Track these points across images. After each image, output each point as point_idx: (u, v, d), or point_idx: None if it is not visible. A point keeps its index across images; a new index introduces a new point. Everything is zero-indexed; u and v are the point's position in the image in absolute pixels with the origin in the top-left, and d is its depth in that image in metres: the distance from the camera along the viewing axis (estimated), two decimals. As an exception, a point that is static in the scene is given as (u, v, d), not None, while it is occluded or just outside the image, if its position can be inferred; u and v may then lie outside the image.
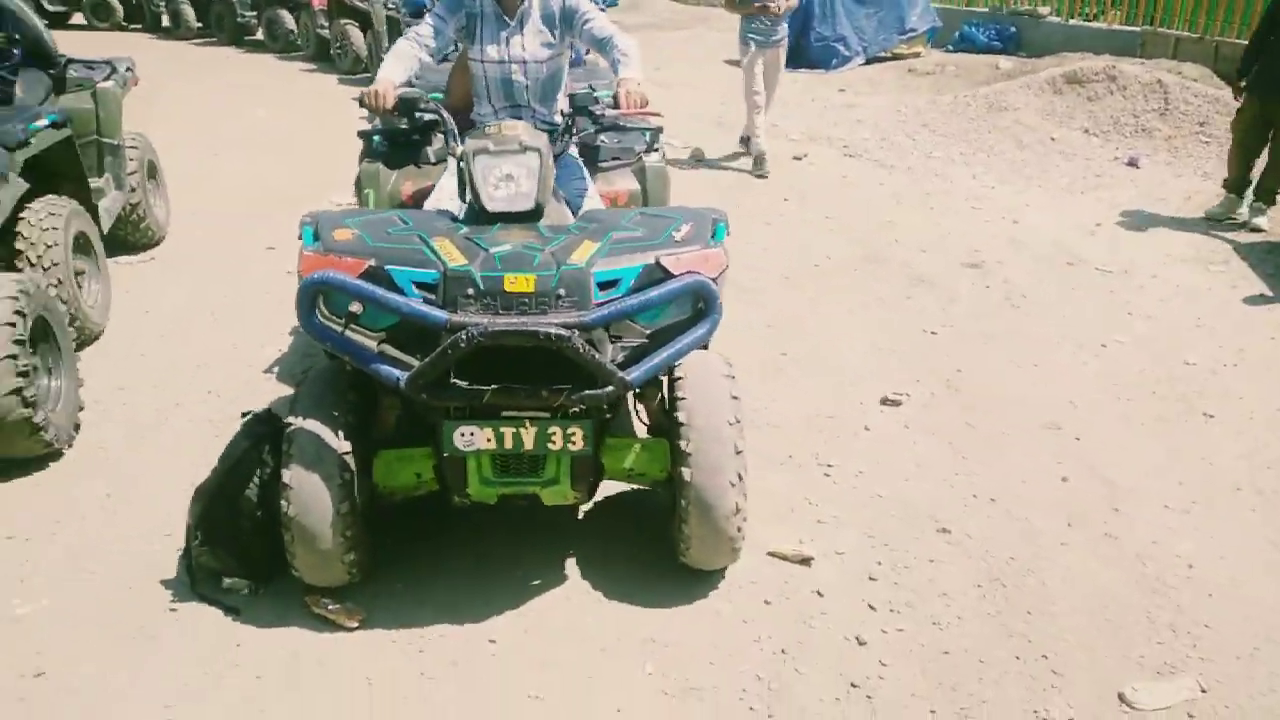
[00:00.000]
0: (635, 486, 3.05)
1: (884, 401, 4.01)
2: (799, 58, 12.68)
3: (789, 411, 3.91)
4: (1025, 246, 5.90)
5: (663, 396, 2.86)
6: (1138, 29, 11.66)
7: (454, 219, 2.74)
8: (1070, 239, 6.03)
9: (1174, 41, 10.98)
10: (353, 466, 2.60)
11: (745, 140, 7.90)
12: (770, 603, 2.81)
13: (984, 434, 3.77)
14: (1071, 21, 12.56)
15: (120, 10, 15.96)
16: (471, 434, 2.51)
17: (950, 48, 12.97)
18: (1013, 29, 12.82)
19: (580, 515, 3.18)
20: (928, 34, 13.09)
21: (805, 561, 2.96)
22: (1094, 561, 3.00)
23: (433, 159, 3.58)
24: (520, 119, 3.14)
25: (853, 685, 2.51)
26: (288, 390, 3.88)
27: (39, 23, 5.11)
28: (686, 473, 2.61)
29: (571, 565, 2.95)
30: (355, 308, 2.47)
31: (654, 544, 2.96)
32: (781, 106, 10.12)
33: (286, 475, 2.56)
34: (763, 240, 5.96)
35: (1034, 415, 3.90)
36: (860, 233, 6.13)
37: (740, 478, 2.66)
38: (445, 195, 3.12)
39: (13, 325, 3.27)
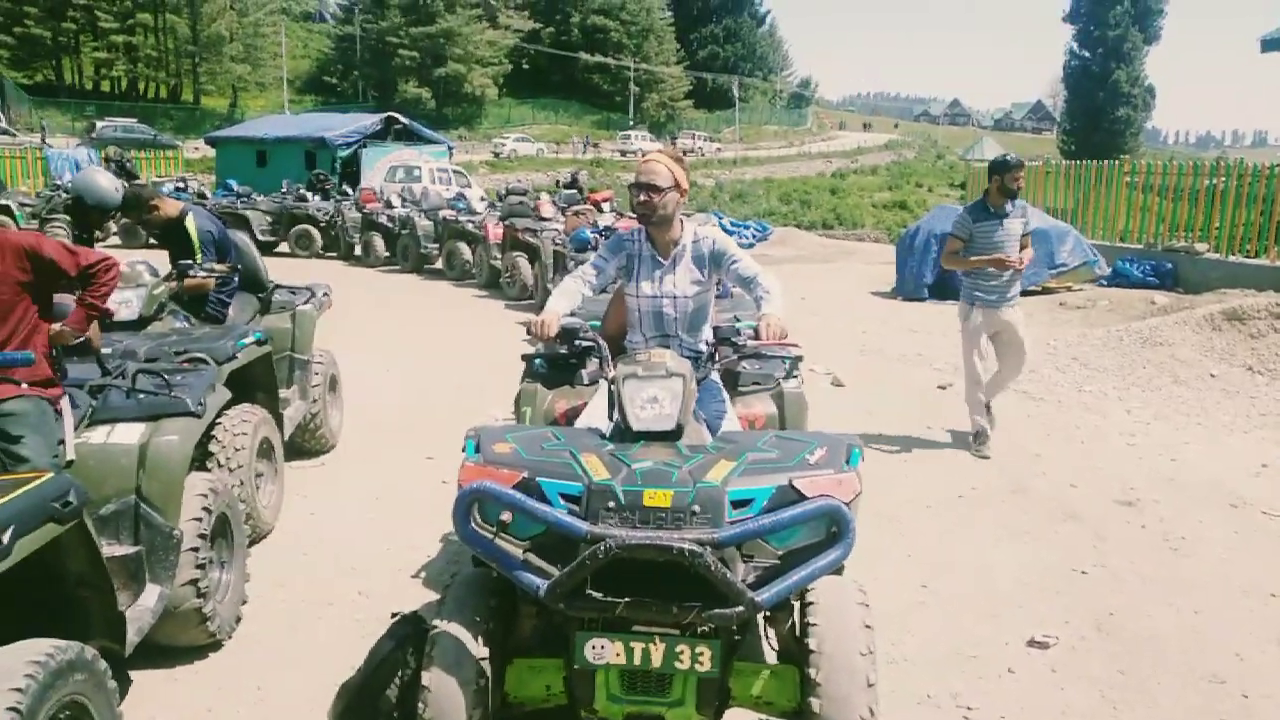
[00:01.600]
0: (764, 717, 2.99)
1: (1030, 643, 3.82)
2: (947, 291, 12.96)
3: (928, 647, 3.78)
4: (1184, 486, 5.64)
5: (794, 622, 2.85)
6: (1302, 266, 11.38)
7: (602, 436, 2.93)
8: (1234, 479, 5.73)
9: (1343, 279, 10.65)
10: (489, 673, 2.68)
11: (977, 437, 6.31)
12: None
13: (1138, 683, 3.52)
14: (1231, 258, 12.39)
15: (319, 240, 17.93)
16: (603, 647, 2.57)
17: (1104, 282, 12.96)
18: (1169, 265, 12.74)
19: (707, 742, 3.11)
20: (1091, 263, 13.07)
21: (942, 811, 2.80)
22: (1270, 838, 2.71)
23: (586, 380, 3.84)
24: (668, 347, 3.38)
25: None
26: (432, 594, 4.04)
27: (258, 255, 5.88)
28: (815, 704, 2.56)
29: (695, 794, 2.87)
30: (506, 516, 2.61)
31: (782, 778, 2.86)
32: (926, 337, 10.25)
33: (426, 677, 2.65)
34: (905, 469, 5.94)
35: (1194, 666, 3.63)
36: (1006, 464, 6.02)
37: (872, 713, 2.58)
38: (596, 414, 3.33)
39: (199, 520, 3.60)
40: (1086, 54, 59.65)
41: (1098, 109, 57.92)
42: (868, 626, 2.67)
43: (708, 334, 3.64)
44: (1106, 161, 15.47)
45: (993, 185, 6.19)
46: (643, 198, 3.40)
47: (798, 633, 2.76)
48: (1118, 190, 14.73)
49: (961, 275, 6.35)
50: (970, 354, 6.26)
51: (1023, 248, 6.22)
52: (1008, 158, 6.37)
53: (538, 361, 3.95)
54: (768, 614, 2.77)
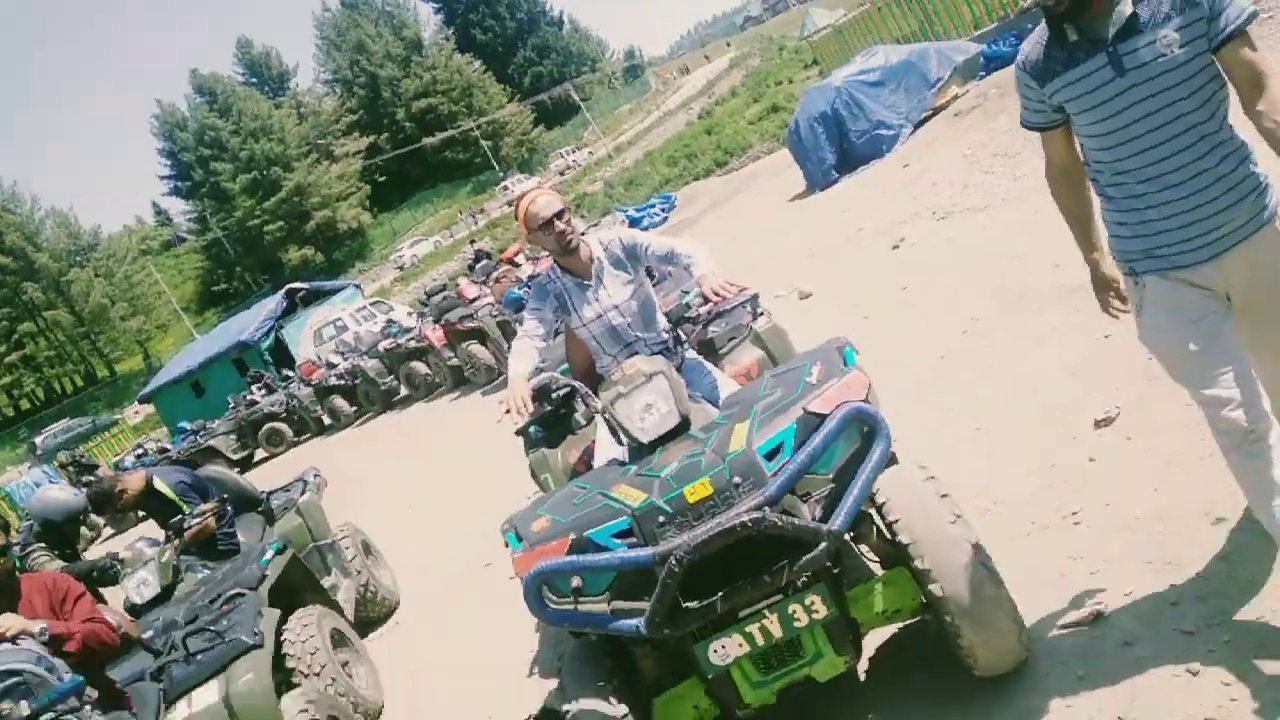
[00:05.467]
0: (898, 624, 3.00)
1: (1097, 424, 3.84)
2: (850, 162, 13.01)
3: (1008, 481, 3.78)
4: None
5: (878, 528, 2.87)
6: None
7: (621, 463, 2.94)
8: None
9: None
10: (638, 722, 2.67)
11: None
12: (1083, 676, 2.66)
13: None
14: None
15: (289, 431, 17.83)
16: (723, 646, 2.57)
17: (982, 75, 13.05)
18: (1030, 26, 12.82)
19: (862, 677, 3.12)
20: (967, 64, 13.05)
21: (1098, 619, 2.81)
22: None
23: (583, 422, 3.85)
24: (636, 353, 3.39)
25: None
26: (553, 683, 4.03)
27: (238, 476, 5.86)
28: (935, 589, 2.58)
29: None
30: (575, 582, 2.63)
31: (944, 672, 2.86)
32: (857, 211, 10.29)
33: (583, 759, 2.65)
34: (900, 334, 5.96)
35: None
36: (991, 282, 6.05)
37: (988, 568, 2.60)
38: (606, 447, 3.34)
39: (311, 731, 3.59)
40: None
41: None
42: (944, 496, 2.68)
43: (663, 323, 3.65)
44: (927, -31, 15.61)
45: None
46: (559, 228, 3.40)
47: (887, 536, 2.77)
48: (951, -11, 14.86)
49: (1102, 204, 2.59)
50: (1181, 366, 2.48)
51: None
52: None
53: (533, 429, 3.96)
54: (853, 533, 2.79)
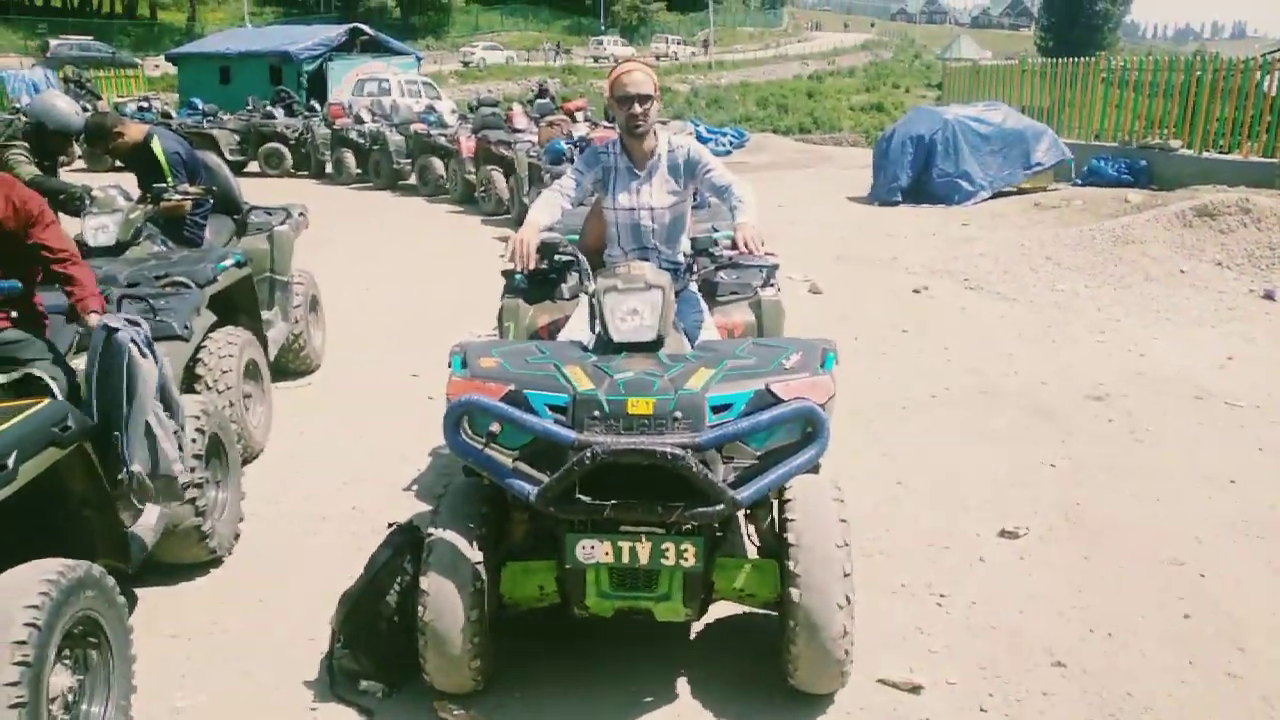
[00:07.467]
0: (746, 608, 3.15)
1: (1001, 533, 4.00)
2: (921, 194, 12.95)
3: (903, 540, 3.95)
4: (1151, 380, 5.81)
5: (773, 518, 2.99)
6: (1276, 160, 11.45)
7: (584, 348, 3.01)
8: (1199, 372, 5.91)
9: (1314, 173, 10.71)
10: (484, 576, 2.80)
11: None
12: (878, 729, 2.83)
13: (1102, 568, 3.71)
14: (1205, 154, 12.42)
15: (289, 159, 17.61)
16: (592, 547, 2.70)
17: (1078, 181, 12.99)
18: (1143, 162, 12.77)
19: (692, 635, 3.28)
20: (1068, 161, 13.07)
21: (915, 690, 2.98)
22: (1215, 700, 2.91)
23: (567, 295, 3.89)
24: (647, 259, 3.43)
25: (962, 816, 2.50)
26: (425, 506, 4.16)
27: (230, 176, 5.82)
28: (795, 593, 2.71)
29: (682, 683, 3.04)
30: (495, 427, 2.71)
31: (764, 666, 3.02)
32: (902, 241, 10.33)
33: (424, 582, 2.78)
34: (879, 370, 6.07)
35: (1156, 550, 3.82)
36: (979, 364, 6.16)
37: (848, 600, 2.73)
38: (577, 327, 3.40)
39: (194, 441, 3.67)
40: (1065, -55, 58.18)
41: (1076, 3, 56.81)
42: (843, 521, 2.80)
43: (685, 245, 3.68)
44: (1083, 59, 15.36)
45: None
46: (636, 109, 3.37)
47: (777, 528, 2.90)
48: (1094, 88, 14.66)
49: None
50: None
51: None
52: None
53: (518, 277, 3.99)
54: (748, 511, 2.91)
